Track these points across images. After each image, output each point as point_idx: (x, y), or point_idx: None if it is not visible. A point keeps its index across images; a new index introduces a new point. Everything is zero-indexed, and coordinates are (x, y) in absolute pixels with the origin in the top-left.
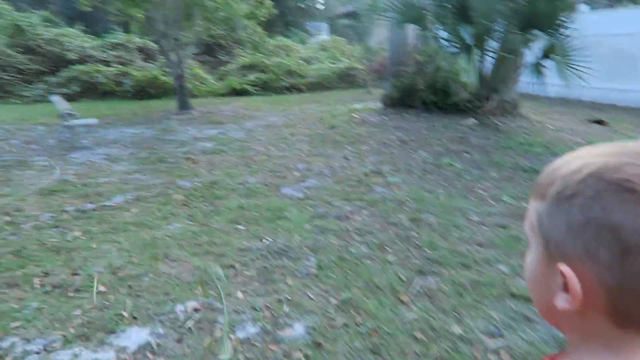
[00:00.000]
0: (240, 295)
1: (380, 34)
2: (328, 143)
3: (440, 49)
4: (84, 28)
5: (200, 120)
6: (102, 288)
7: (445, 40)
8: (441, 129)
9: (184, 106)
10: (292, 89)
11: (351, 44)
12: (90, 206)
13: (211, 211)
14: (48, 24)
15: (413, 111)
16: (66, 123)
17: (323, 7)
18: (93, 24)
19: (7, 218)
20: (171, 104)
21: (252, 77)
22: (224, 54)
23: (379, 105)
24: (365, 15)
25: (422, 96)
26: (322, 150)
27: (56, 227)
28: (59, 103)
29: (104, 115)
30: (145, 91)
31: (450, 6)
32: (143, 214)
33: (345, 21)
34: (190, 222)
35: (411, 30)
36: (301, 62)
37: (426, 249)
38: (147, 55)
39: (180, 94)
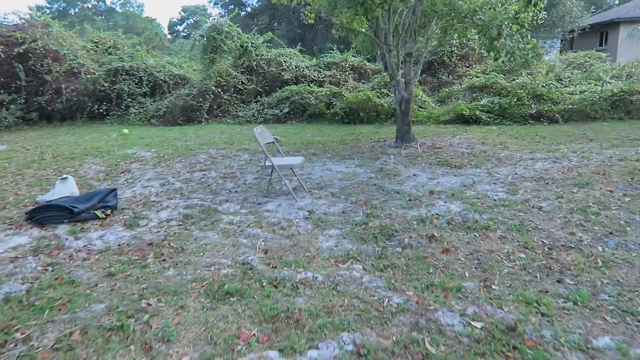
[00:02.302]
0: None
1: None
2: None
3: None
4: (301, 49)
5: (427, 159)
6: None
7: None
8: None
9: (404, 137)
10: (540, 117)
11: (614, 62)
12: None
13: None
14: (270, 44)
15: None
16: (267, 163)
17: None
18: (310, 45)
19: None
20: (385, 132)
21: (484, 100)
22: (446, 72)
23: None
24: None
25: None
26: None
27: None
28: (262, 135)
29: (309, 142)
30: (355, 114)
31: None
32: None
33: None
34: None
35: None
36: (552, 82)
37: None
38: (359, 74)
39: (403, 122)
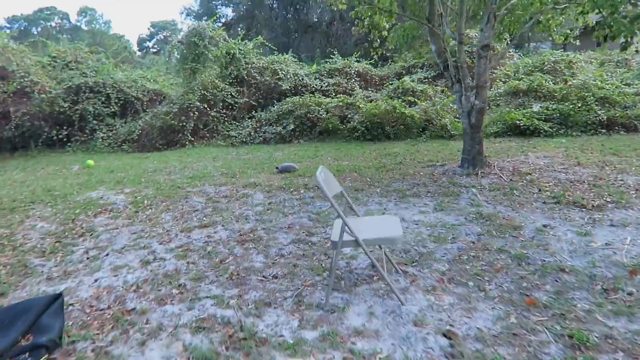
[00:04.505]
0: None
1: None
2: None
3: None
4: (293, 55)
5: (528, 193)
6: None
7: None
8: None
9: (476, 160)
10: (611, 126)
11: None
12: None
13: None
14: (259, 50)
15: None
16: (345, 237)
17: None
18: (296, 53)
19: None
20: (430, 150)
21: (536, 107)
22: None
23: None
24: None
25: None
26: None
27: None
28: (328, 183)
29: (338, 169)
30: (378, 129)
31: None
32: None
33: None
34: None
35: None
36: (612, 83)
37: None
38: (365, 81)
39: (473, 139)
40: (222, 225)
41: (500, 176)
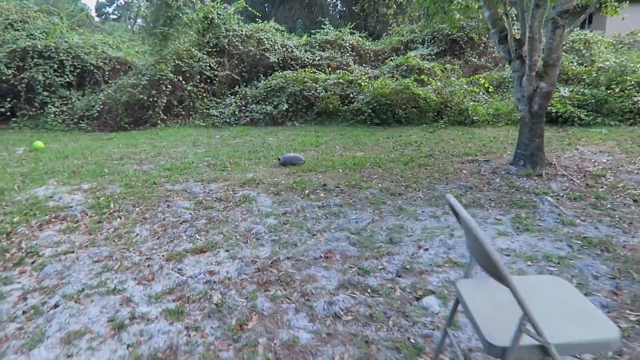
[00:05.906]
0: None
1: None
2: None
3: None
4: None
5: (617, 204)
6: None
7: None
8: None
9: (535, 157)
10: None
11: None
12: None
13: None
14: (241, 17)
15: None
16: (528, 340)
17: None
18: (280, 22)
19: None
20: (456, 139)
21: (565, 91)
22: (475, 54)
23: None
24: None
25: None
26: None
27: None
28: (457, 207)
29: (356, 163)
30: (388, 112)
31: None
32: None
33: None
34: None
35: None
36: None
37: None
38: (359, 56)
39: (533, 131)
40: (226, 250)
41: (571, 179)
